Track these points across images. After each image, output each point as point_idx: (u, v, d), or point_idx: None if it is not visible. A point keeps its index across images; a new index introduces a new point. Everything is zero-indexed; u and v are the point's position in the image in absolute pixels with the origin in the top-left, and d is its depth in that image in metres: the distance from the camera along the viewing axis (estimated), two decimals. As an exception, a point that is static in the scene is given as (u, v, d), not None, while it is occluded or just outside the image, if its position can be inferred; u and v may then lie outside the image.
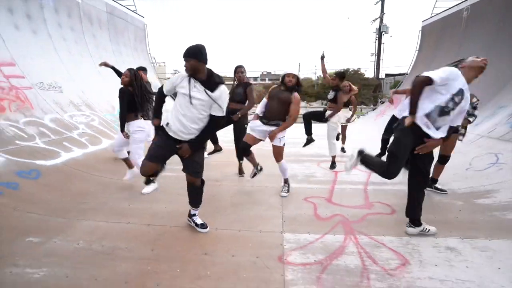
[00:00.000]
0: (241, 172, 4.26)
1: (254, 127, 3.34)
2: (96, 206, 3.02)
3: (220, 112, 2.25)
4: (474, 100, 3.15)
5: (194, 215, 2.57)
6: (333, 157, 4.71)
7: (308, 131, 4.50)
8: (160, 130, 2.37)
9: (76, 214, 2.81)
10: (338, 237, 2.45)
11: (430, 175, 2.92)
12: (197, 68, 2.15)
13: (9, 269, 1.94)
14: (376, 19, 23.66)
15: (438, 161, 3.42)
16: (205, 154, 2.91)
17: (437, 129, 2.24)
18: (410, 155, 2.36)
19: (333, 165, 4.68)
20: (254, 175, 3.65)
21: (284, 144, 3.33)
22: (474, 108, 3.16)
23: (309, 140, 4.47)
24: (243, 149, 3.41)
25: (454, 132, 3.26)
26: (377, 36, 23.47)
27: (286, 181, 3.54)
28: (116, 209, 2.97)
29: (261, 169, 3.66)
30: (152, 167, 2.35)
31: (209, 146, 4.47)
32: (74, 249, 2.21)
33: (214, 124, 2.31)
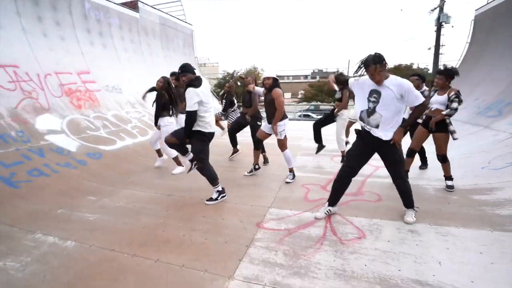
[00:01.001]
0: (266, 161, 4.88)
1: (265, 125, 4.04)
2: (136, 181, 3.99)
3: (187, 108, 2.92)
4: (451, 93, 3.15)
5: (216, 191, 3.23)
6: (342, 152, 4.96)
7: (318, 139, 5.03)
8: None
9: (121, 185, 3.80)
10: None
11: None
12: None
13: (76, 213, 2.94)
14: (435, 8, 21.44)
15: (439, 161, 3.52)
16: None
17: (377, 126, 2.47)
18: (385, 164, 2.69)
19: (343, 159, 4.94)
20: (250, 171, 4.27)
21: (285, 136, 3.85)
22: (451, 101, 3.14)
23: (320, 148, 5.04)
24: (256, 142, 4.18)
25: (441, 131, 3.32)
26: (436, 27, 21.28)
27: (291, 170, 4.03)
28: (149, 183, 3.88)
29: (257, 169, 4.31)
30: (171, 139, 3.19)
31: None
32: (116, 206, 3.14)
33: (186, 116, 2.96)
